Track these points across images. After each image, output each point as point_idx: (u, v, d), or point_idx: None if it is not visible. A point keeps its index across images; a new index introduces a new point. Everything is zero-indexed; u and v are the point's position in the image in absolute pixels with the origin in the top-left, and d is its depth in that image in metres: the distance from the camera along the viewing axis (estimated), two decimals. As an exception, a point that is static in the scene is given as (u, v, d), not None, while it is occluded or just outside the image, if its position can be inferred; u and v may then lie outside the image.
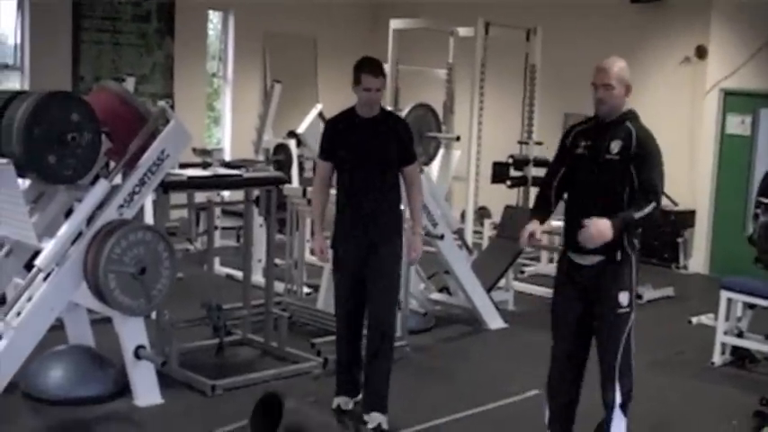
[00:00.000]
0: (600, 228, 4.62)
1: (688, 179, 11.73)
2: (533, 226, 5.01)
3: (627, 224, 4.71)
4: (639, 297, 4.73)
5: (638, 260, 4.97)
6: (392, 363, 5.89)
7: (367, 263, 5.73)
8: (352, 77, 5.70)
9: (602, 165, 4.84)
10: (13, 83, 11.98)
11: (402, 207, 5.99)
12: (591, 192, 4.92)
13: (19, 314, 5.54)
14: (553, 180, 5.10)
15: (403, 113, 9.23)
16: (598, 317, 4.95)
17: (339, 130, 5.81)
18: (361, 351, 6.01)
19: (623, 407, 4.98)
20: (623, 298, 4.87)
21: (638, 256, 4.96)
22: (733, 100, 11.57)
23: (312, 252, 6.40)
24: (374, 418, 5.76)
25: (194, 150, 8.77)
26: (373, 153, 5.71)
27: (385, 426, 5.75)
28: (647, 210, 4.70)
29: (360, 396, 5.99)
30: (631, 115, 4.93)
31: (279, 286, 8.25)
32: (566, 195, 5.13)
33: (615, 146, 4.81)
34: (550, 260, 11.12)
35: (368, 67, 5.66)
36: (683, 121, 11.99)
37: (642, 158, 4.77)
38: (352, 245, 5.77)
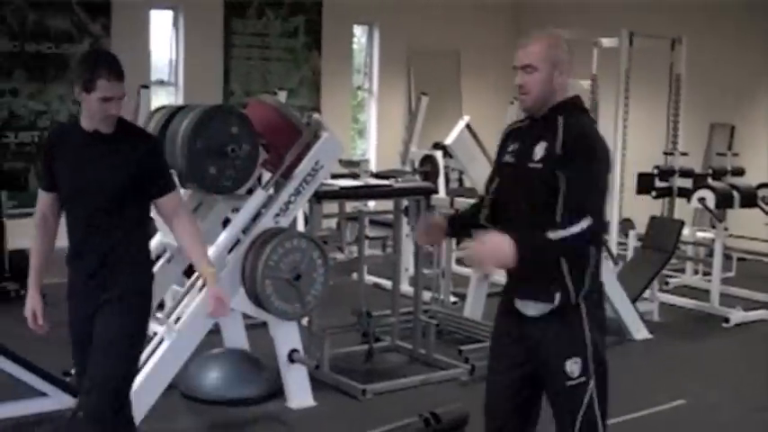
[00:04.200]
0: (492, 245, 3.35)
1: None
2: (435, 219, 3.97)
3: (536, 247, 3.41)
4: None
5: (596, 305, 3.64)
6: None
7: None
8: (75, 81, 3.97)
9: (525, 175, 3.56)
10: (168, 98, 12.39)
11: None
12: (515, 211, 3.63)
13: (179, 319, 5.78)
14: (487, 193, 3.84)
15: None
16: (547, 388, 3.72)
17: (59, 153, 4.11)
18: None
19: None
20: (572, 367, 3.57)
21: (596, 300, 3.64)
22: None
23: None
24: None
25: (341, 161, 8.98)
26: (103, 183, 4.01)
27: None
28: (570, 230, 3.35)
29: None
30: (568, 106, 3.60)
31: (426, 295, 8.37)
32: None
33: (539, 150, 3.52)
34: (695, 272, 10.95)
35: (105, 69, 3.91)
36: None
37: (566, 165, 3.43)
38: (81, 303, 4.15)
